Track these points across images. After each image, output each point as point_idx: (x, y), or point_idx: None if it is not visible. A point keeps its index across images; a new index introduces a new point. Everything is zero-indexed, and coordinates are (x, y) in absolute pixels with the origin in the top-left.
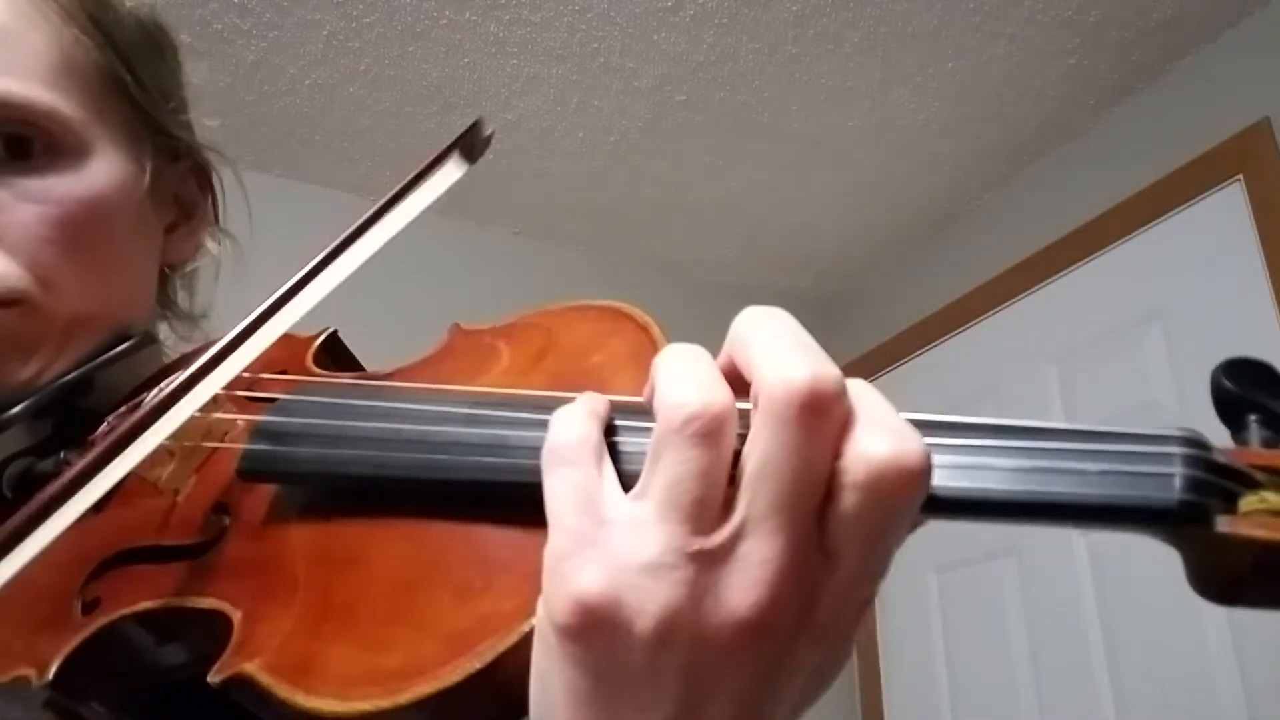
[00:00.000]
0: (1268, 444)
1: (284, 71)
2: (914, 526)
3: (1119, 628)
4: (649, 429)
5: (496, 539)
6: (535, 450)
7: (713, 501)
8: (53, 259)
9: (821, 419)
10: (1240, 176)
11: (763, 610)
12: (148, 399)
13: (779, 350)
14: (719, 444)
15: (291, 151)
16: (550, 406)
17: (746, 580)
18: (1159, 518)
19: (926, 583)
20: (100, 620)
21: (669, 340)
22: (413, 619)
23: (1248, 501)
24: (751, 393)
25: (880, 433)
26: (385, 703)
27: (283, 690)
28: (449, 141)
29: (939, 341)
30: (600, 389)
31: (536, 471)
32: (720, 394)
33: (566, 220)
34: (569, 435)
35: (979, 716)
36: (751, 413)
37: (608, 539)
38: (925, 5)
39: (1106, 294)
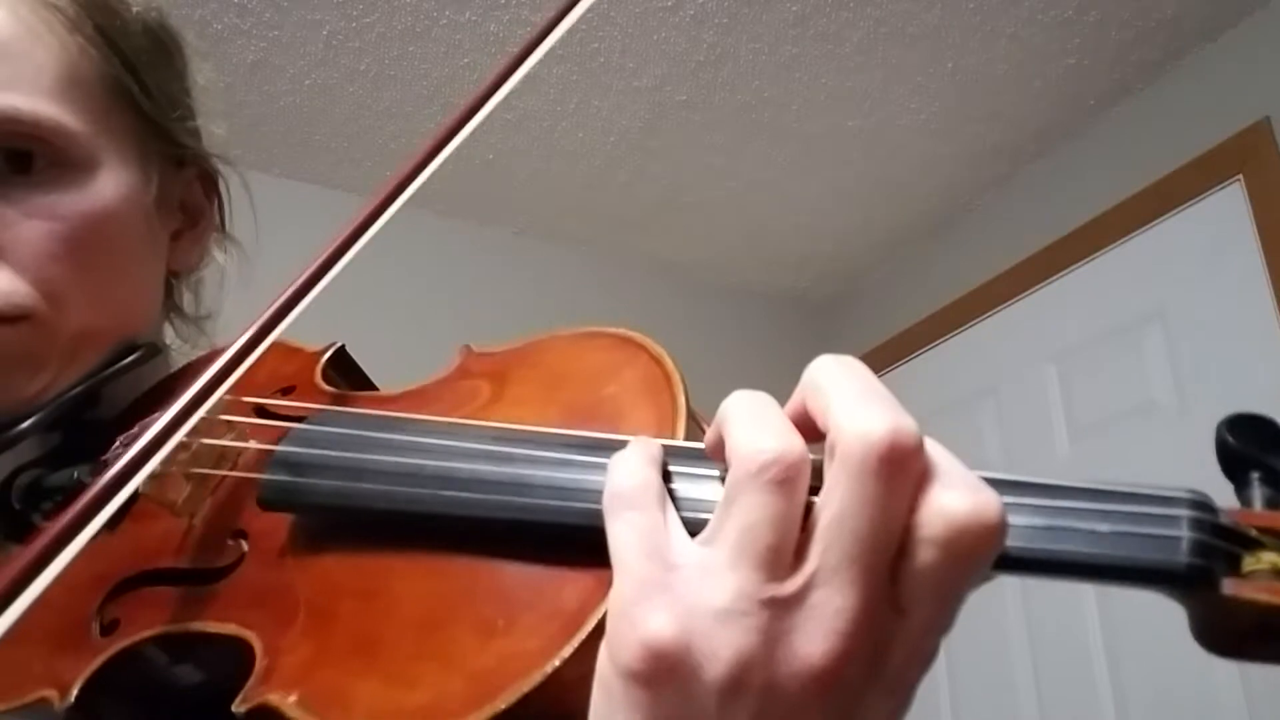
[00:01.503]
0: (1270, 503)
1: (284, 71)
2: (982, 581)
3: (1119, 628)
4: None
5: (519, 576)
6: (557, 490)
7: (786, 549)
8: (59, 275)
9: (900, 473)
10: (1240, 176)
11: (835, 660)
12: (153, 419)
13: (857, 401)
14: (794, 491)
15: (291, 151)
16: (574, 444)
17: (819, 630)
18: (1166, 579)
19: None
20: (120, 643)
21: (677, 364)
22: (437, 655)
23: (1248, 563)
24: (828, 442)
25: (958, 488)
26: None
27: None
28: None
29: (939, 342)
30: (615, 421)
31: (558, 511)
32: (796, 441)
33: (566, 220)
34: (631, 480)
35: (979, 716)
36: (826, 463)
37: (678, 584)
38: (925, 5)
39: (1106, 294)
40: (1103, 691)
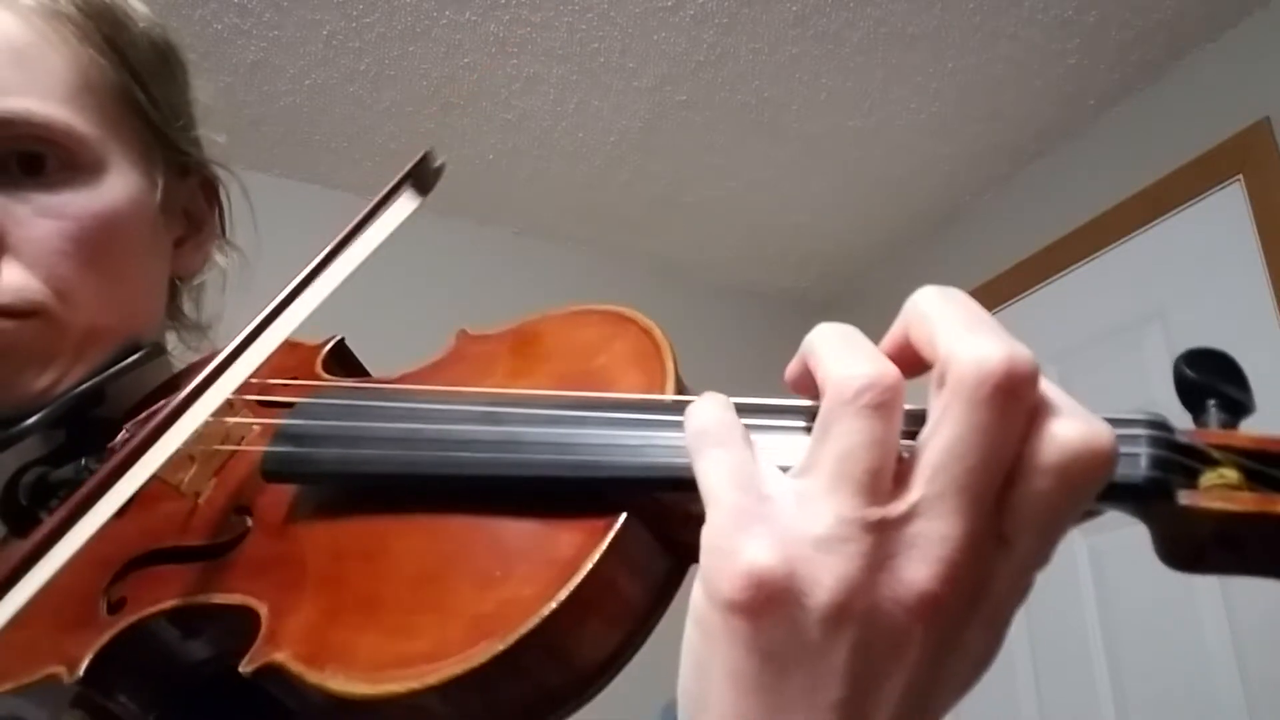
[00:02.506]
0: (1225, 426)
1: (284, 71)
2: (1086, 516)
3: (1119, 628)
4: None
5: (513, 530)
6: (549, 445)
7: (885, 474)
8: (69, 272)
9: (1015, 402)
10: (1240, 176)
11: (940, 587)
12: (163, 406)
13: (968, 330)
14: (892, 415)
15: (291, 151)
16: (564, 404)
17: (924, 557)
18: (1127, 493)
19: None
20: (128, 619)
21: (671, 343)
22: (436, 607)
23: (1207, 478)
24: (936, 371)
25: (1071, 416)
26: (415, 684)
27: (313, 676)
28: (401, 173)
29: None
30: (606, 388)
31: (550, 465)
32: (890, 366)
33: (566, 220)
34: (713, 418)
35: (979, 716)
36: (934, 391)
37: (774, 513)
38: (925, 5)
39: (1106, 294)
40: (1103, 691)
